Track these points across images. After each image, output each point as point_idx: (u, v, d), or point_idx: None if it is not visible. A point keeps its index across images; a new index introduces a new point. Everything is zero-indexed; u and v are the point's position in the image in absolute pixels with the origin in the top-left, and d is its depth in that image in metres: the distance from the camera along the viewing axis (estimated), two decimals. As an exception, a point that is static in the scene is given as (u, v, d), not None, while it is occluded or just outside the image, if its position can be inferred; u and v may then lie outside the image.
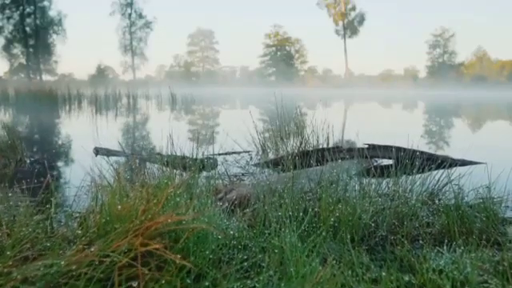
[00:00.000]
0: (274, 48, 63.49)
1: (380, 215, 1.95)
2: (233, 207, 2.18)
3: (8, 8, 46.86)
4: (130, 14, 53.97)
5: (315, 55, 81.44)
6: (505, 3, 73.58)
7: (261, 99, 21.03)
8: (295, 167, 3.30)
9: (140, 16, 54.28)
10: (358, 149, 3.60)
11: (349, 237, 1.74)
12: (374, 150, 3.61)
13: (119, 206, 1.36)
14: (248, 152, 4.20)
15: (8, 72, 47.57)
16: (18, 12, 47.07)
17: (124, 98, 17.24)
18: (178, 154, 4.48)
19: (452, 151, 4.31)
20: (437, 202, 2.40)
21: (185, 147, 3.54)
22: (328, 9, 59.42)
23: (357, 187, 2.64)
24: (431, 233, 1.88)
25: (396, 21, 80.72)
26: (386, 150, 3.57)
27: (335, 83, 56.41)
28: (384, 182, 2.83)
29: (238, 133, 4.37)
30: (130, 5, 53.86)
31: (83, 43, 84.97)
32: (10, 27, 47.10)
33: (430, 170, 2.81)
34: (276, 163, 3.50)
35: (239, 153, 4.16)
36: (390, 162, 3.69)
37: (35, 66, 47.99)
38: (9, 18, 47.05)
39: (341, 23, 58.95)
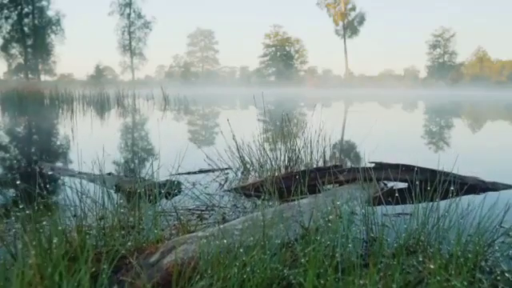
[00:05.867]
0: (273, 48, 62.72)
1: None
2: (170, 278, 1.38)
3: (6, 8, 46.19)
4: (128, 14, 53.30)
5: (315, 55, 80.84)
6: (505, 3, 72.91)
7: (260, 100, 20.09)
8: (280, 194, 2.52)
9: (139, 16, 53.66)
10: (363, 168, 2.79)
11: None
12: (383, 171, 2.80)
13: None
14: (225, 170, 3.38)
15: (7, 72, 46.96)
16: (16, 12, 46.46)
17: (116, 99, 16.36)
18: (138, 171, 3.68)
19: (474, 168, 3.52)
20: (484, 264, 1.59)
21: (152, 161, 2.75)
22: (328, 9, 58.68)
23: (363, 233, 1.85)
24: None
25: (396, 21, 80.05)
26: (401, 171, 2.77)
27: (335, 83, 55.60)
28: (401, 222, 2.04)
29: (222, 142, 3.57)
30: (129, 5, 53.15)
31: (82, 43, 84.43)
32: (8, 27, 46.51)
33: (456, 195, 2.02)
34: (256, 188, 2.70)
35: (212, 171, 3.36)
36: (403, 183, 2.90)
37: (33, 66, 47.31)
38: (7, 18, 46.40)
39: (341, 23, 58.15)
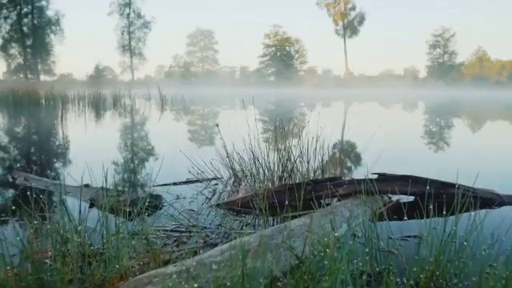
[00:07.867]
0: (273, 48, 62.41)
1: None
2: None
3: (5, 8, 45.98)
4: (128, 14, 53.01)
5: (315, 55, 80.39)
6: (505, 3, 72.71)
7: (258, 100, 19.78)
8: (272, 210, 2.26)
9: (138, 16, 53.37)
10: (365, 180, 2.51)
11: None
12: (387, 182, 2.52)
13: None
14: (213, 180, 3.10)
15: (7, 72, 46.77)
16: (16, 12, 46.22)
17: (110, 100, 16.03)
18: (116, 183, 3.40)
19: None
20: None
21: (137, 170, 2.48)
22: (328, 8, 58.34)
23: (368, 267, 1.58)
24: None
25: (396, 21, 79.80)
26: (408, 184, 2.48)
27: (335, 83, 55.32)
28: (409, 247, 1.77)
29: (214, 149, 3.29)
30: (129, 5, 52.88)
31: (82, 43, 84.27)
32: (7, 27, 46.30)
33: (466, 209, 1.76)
34: (245, 204, 2.42)
35: (200, 181, 3.07)
36: (408, 196, 2.62)
37: (33, 67, 47.09)
38: (6, 18, 46.19)
39: (341, 23, 57.86)
